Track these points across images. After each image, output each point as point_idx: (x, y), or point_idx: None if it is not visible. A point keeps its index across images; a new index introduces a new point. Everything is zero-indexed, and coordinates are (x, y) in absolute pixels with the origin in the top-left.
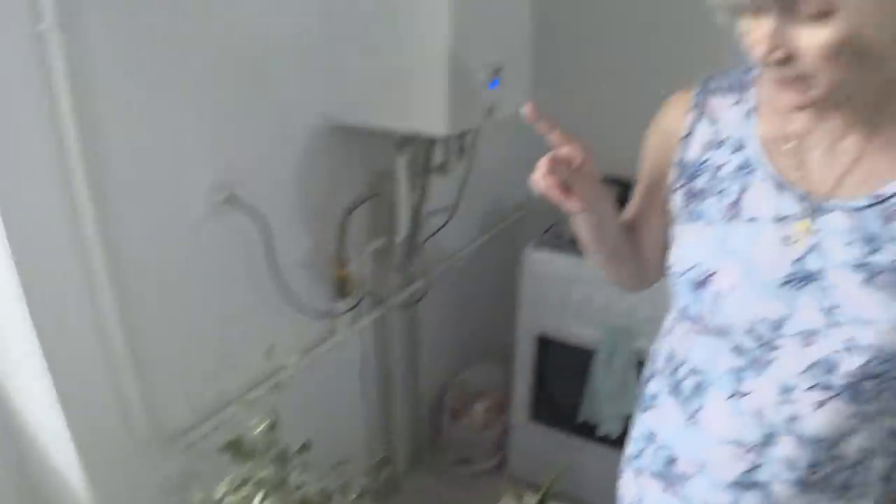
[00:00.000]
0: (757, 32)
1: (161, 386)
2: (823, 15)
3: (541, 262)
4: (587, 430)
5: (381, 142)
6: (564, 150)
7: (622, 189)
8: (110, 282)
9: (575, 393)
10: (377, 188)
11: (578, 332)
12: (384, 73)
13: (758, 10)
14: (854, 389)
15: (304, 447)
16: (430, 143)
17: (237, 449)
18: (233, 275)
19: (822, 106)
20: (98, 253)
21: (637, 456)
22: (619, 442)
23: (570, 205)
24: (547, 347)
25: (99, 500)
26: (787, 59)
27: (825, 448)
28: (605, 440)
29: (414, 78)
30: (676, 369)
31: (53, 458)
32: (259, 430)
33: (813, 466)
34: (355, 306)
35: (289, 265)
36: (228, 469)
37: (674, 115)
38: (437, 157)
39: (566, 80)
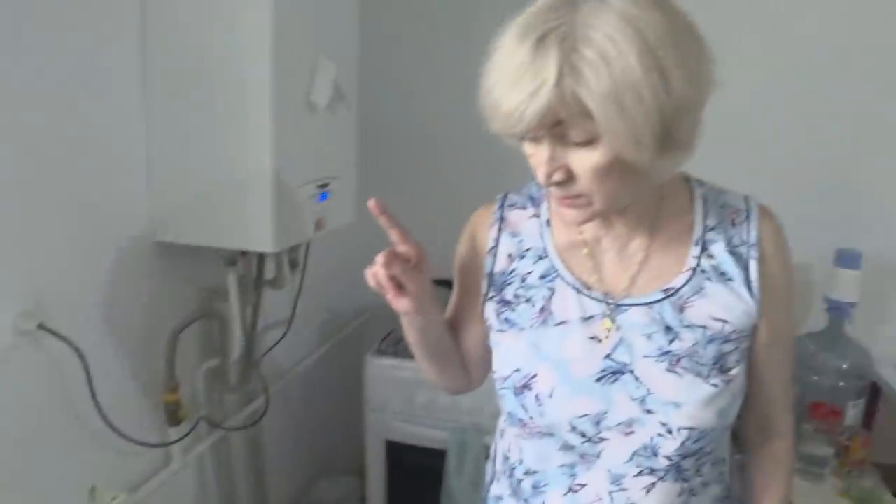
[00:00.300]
0: (537, 157)
1: None
2: (590, 142)
3: (383, 368)
4: None
5: (209, 258)
6: (402, 248)
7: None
8: None
9: (430, 496)
10: (207, 306)
11: (427, 434)
12: (209, 191)
13: (535, 139)
14: (676, 469)
15: None
16: (261, 257)
17: None
18: (48, 410)
19: (604, 217)
20: None
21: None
22: None
23: (401, 303)
24: (397, 453)
25: None
26: (567, 180)
27: None
28: None
29: (239, 196)
30: (513, 470)
31: None
32: None
33: None
34: (189, 432)
35: (113, 394)
36: None
37: (479, 230)
38: (269, 271)
39: (394, 190)
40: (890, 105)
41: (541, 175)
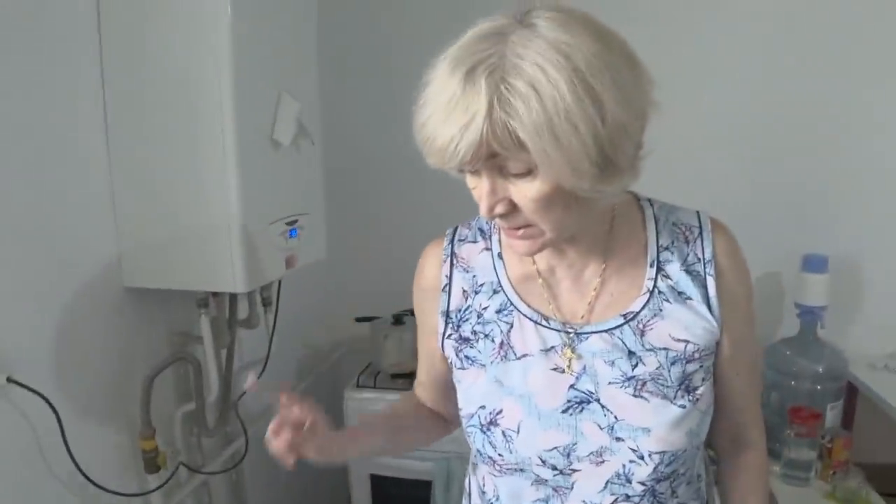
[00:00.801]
0: (478, 190)
1: None
2: (528, 172)
3: (362, 402)
4: None
5: (181, 301)
6: (294, 413)
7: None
8: None
9: None
10: (181, 350)
11: (411, 466)
12: (178, 234)
13: (474, 172)
14: (652, 493)
15: None
16: (233, 298)
17: None
18: (21, 465)
19: (555, 245)
20: None
21: None
22: None
23: (308, 457)
24: (382, 486)
25: None
26: (510, 212)
27: None
28: None
29: (208, 238)
30: None
31: None
32: None
33: None
34: (169, 479)
35: (88, 445)
36: None
37: (430, 269)
38: (242, 311)
39: (361, 225)
40: (849, 109)
41: (483, 208)
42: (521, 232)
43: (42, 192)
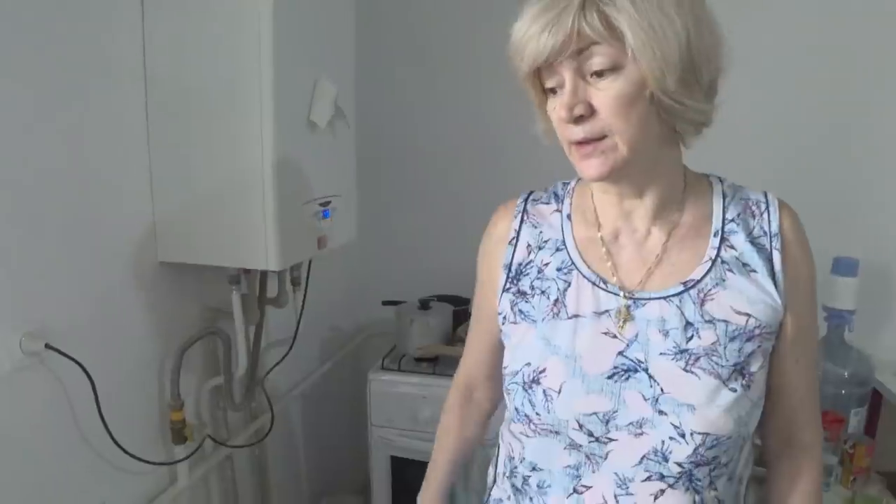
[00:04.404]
0: (559, 100)
1: None
2: (612, 70)
3: (385, 384)
4: None
5: (213, 278)
6: None
7: (454, 305)
8: None
9: None
10: (211, 325)
11: (430, 448)
12: (213, 211)
13: (556, 77)
14: (688, 478)
15: None
16: (264, 276)
17: None
18: (56, 429)
19: (625, 176)
20: None
21: None
22: None
23: None
24: (402, 468)
25: None
26: (588, 116)
27: None
28: None
29: (243, 215)
30: (515, 469)
31: None
32: None
33: None
34: (196, 451)
35: (119, 413)
36: None
37: (502, 221)
38: (271, 289)
39: (392, 209)
40: (884, 111)
41: (562, 113)
42: (592, 148)
43: (83, 168)
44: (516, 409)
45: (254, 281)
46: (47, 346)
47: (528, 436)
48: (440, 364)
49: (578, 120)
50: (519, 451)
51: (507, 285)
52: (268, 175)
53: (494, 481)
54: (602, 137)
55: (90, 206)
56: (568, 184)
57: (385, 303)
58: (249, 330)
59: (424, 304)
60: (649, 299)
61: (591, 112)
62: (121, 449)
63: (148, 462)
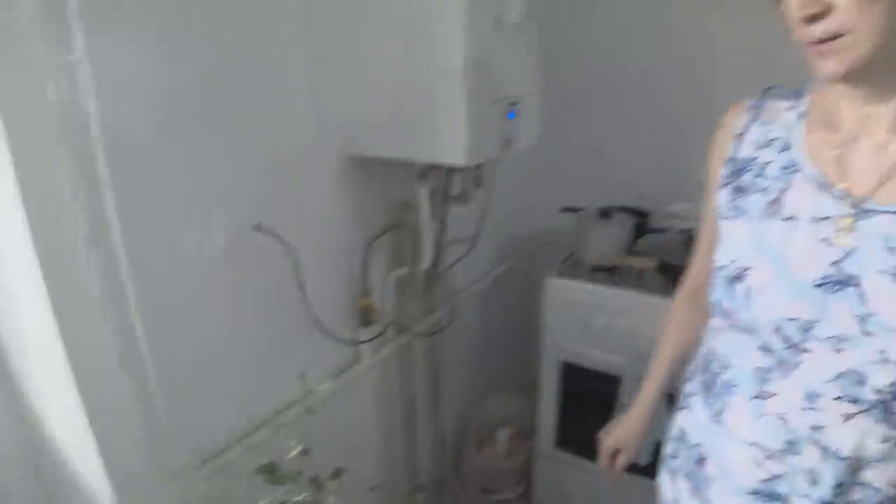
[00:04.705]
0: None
1: (191, 413)
2: None
3: (562, 290)
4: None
5: (402, 173)
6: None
7: (635, 217)
8: (141, 309)
9: (601, 420)
10: (399, 218)
11: (603, 358)
12: (405, 106)
13: None
14: (885, 408)
15: (338, 472)
16: (449, 174)
17: (271, 473)
18: (261, 302)
19: (864, 78)
20: (130, 282)
21: (673, 456)
22: (648, 470)
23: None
24: (571, 374)
25: None
26: (824, 13)
27: (851, 469)
28: (633, 468)
29: (434, 110)
30: (709, 366)
31: (85, 485)
32: (292, 454)
33: (838, 486)
34: (379, 335)
35: (316, 293)
36: (259, 492)
37: (732, 117)
38: (455, 188)
39: (579, 113)
40: None
41: (798, 13)
42: (828, 47)
43: (283, 67)
44: (716, 302)
45: (440, 178)
46: (257, 226)
47: (723, 332)
48: (616, 275)
49: (814, 18)
50: (714, 346)
51: (727, 180)
52: (460, 72)
53: (691, 375)
54: (840, 35)
55: (291, 102)
56: (810, 84)
57: (563, 209)
58: (434, 225)
59: (605, 213)
60: (879, 211)
61: (827, 9)
62: (317, 325)
63: (339, 340)
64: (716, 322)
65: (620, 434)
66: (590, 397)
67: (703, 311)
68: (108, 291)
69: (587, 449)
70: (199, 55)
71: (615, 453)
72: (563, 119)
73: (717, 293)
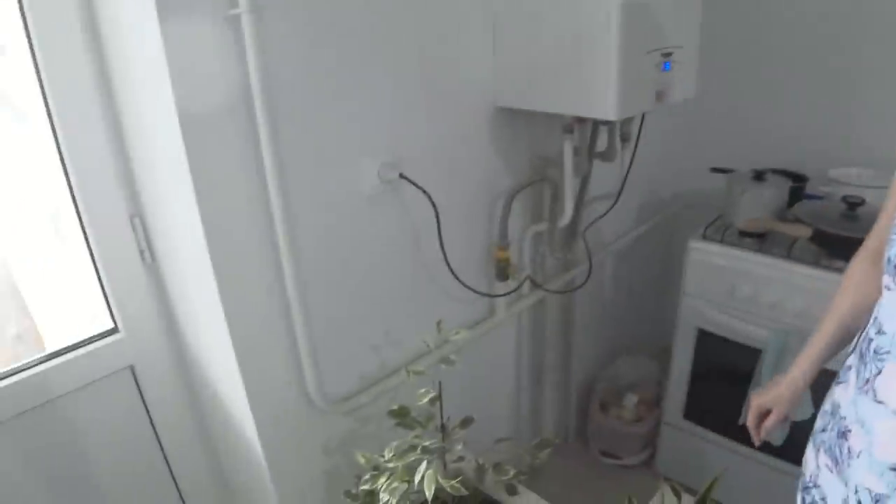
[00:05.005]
0: None
1: (330, 353)
2: None
3: (706, 254)
4: (747, 435)
5: (545, 126)
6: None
7: (792, 181)
8: (289, 257)
9: (735, 393)
10: (541, 173)
11: (744, 329)
12: (553, 57)
13: None
14: None
15: (466, 421)
16: (595, 128)
17: (403, 417)
18: (400, 251)
19: None
20: (280, 228)
21: (822, 430)
22: (782, 451)
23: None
24: (708, 343)
25: (268, 454)
26: None
27: None
28: (765, 448)
29: (584, 62)
30: (867, 331)
31: (233, 416)
32: (423, 401)
33: None
34: (514, 290)
35: (454, 244)
36: (390, 435)
37: None
38: (601, 143)
39: (734, 66)
40: None
41: None
42: None
43: (431, 18)
44: (889, 258)
45: (585, 132)
46: (401, 175)
47: (889, 288)
48: (767, 241)
49: None
50: (876, 310)
51: None
52: (614, 20)
53: (854, 348)
54: None
55: (438, 53)
56: None
57: (714, 169)
58: (577, 181)
59: (759, 175)
60: None
61: None
62: (453, 275)
63: (475, 291)
64: (886, 279)
65: (773, 394)
66: (725, 369)
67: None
68: (260, 236)
69: (716, 422)
70: (363, 12)
71: (764, 414)
72: (722, 71)
73: (891, 249)
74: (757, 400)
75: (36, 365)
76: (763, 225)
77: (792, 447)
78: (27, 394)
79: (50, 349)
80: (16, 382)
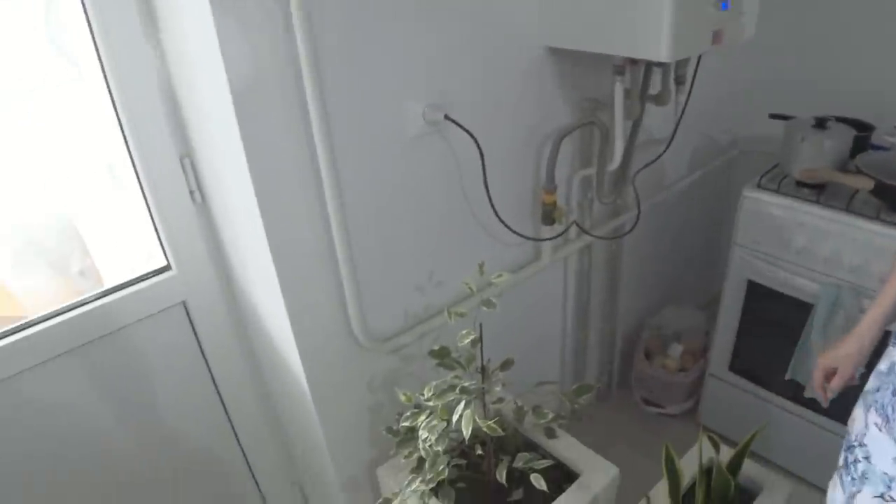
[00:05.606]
0: None
1: (374, 293)
2: None
3: (761, 203)
4: (791, 390)
5: (597, 67)
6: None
7: (856, 130)
8: (334, 197)
9: (783, 348)
10: (591, 115)
11: (796, 282)
12: None
13: None
14: None
15: (507, 364)
16: (648, 70)
17: (443, 357)
18: (445, 193)
19: None
20: (325, 169)
21: (876, 390)
22: (826, 409)
23: None
24: (758, 295)
25: (313, 387)
26: None
27: None
28: (811, 403)
29: (638, 1)
30: None
31: (279, 349)
32: (465, 342)
33: None
34: (561, 234)
35: (500, 187)
36: (431, 374)
37: None
38: (654, 86)
39: (799, 4)
40: None
41: None
42: None
43: None
44: None
45: (637, 74)
46: (446, 117)
47: None
48: (826, 193)
49: None
50: None
51: None
52: None
53: None
54: None
55: None
56: None
57: (773, 115)
58: (627, 125)
59: (820, 123)
60: None
61: None
62: (498, 218)
63: (520, 235)
64: None
65: (839, 353)
66: (773, 323)
67: None
68: (305, 177)
69: (762, 376)
70: None
71: (830, 374)
72: (785, 10)
73: None
74: (823, 360)
75: (98, 299)
76: (822, 175)
77: (837, 405)
78: (92, 325)
79: (108, 286)
80: (82, 314)
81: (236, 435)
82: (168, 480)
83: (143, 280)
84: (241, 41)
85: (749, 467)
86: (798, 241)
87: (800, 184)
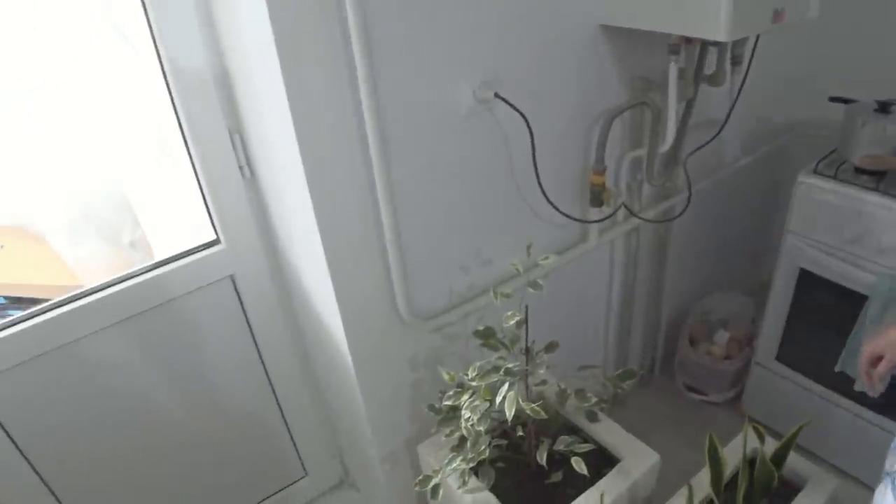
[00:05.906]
0: None
1: (419, 271)
2: None
3: (816, 189)
4: (840, 383)
5: (650, 46)
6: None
7: None
8: (382, 174)
9: (833, 339)
10: (643, 96)
11: (850, 273)
12: None
13: None
14: None
15: (551, 346)
16: (704, 49)
17: (488, 338)
18: (492, 172)
19: None
20: (373, 145)
21: None
22: (877, 403)
23: None
24: (808, 284)
25: (357, 362)
26: None
27: None
28: (860, 397)
29: None
30: None
31: (324, 324)
32: (510, 323)
33: None
34: (609, 217)
35: (548, 166)
36: (475, 354)
37: None
38: (709, 66)
39: None
40: None
41: None
42: None
43: None
44: None
45: (693, 53)
46: (496, 95)
47: None
48: (886, 180)
49: None
50: None
51: None
52: None
53: None
54: None
55: None
56: None
57: (833, 98)
58: (680, 106)
59: (884, 107)
60: None
61: None
62: (546, 198)
63: (567, 216)
64: None
65: (886, 340)
66: (824, 312)
67: None
68: (353, 153)
69: (811, 367)
70: None
71: (876, 360)
72: None
73: None
74: (869, 346)
75: (149, 271)
76: (883, 162)
77: (889, 400)
78: (143, 296)
79: (158, 258)
80: (134, 285)
81: (280, 405)
82: (214, 443)
83: (192, 253)
84: (292, 15)
85: (794, 460)
86: (854, 229)
87: (859, 170)
